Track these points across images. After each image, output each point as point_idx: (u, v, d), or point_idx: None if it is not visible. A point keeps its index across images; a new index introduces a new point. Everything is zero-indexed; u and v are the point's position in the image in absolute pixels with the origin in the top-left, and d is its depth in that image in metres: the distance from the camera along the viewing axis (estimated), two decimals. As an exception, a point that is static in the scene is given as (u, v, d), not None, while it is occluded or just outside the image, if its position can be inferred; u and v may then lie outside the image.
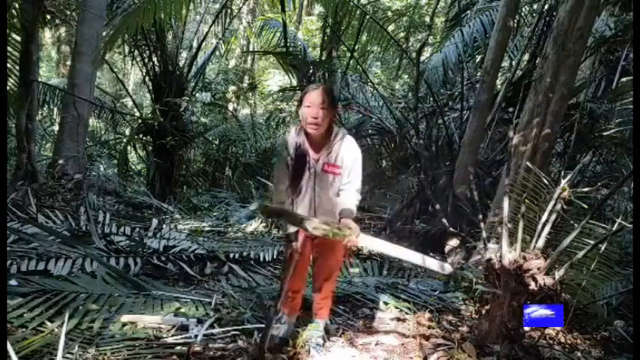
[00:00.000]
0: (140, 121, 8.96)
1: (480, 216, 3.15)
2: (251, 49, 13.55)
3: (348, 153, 2.28)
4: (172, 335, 2.53)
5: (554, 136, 4.36)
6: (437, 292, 3.79)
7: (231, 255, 4.17)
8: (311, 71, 7.53)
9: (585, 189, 3.25)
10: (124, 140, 9.25)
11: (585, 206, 2.61)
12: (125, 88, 10.95)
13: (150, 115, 8.80)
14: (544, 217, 2.54)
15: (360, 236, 2.14)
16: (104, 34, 6.66)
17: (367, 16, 6.88)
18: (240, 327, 2.64)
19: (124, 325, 2.57)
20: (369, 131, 7.26)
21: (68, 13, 8.56)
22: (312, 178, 2.28)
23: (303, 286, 2.59)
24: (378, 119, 7.21)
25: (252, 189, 8.28)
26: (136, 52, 8.27)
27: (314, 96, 2.20)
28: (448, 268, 2.35)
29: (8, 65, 4.81)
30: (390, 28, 9.00)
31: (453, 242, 5.33)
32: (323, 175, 2.28)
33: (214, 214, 6.89)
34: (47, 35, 13.07)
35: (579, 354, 2.85)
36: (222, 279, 3.76)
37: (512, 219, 2.70)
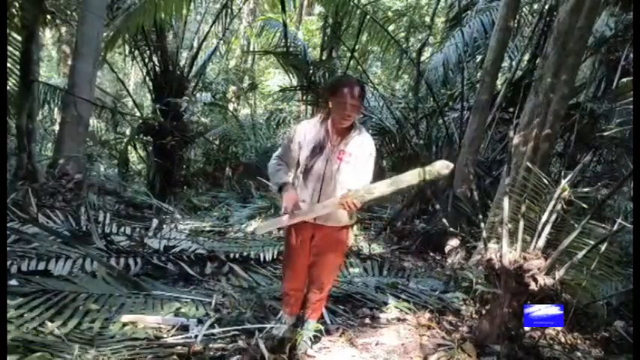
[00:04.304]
0: (140, 121, 8.95)
1: (480, 216, 3.15)
2: (251, 49, 13.52)
3: (365, 146, 2.31)
4: (172, 335, 2.53)
5: (555, 136, 4.36)
6: (437, 292, 3.79)
7: (232, 255, 4.17)
8: (311, 71, 7.52)
9: (585, 189, 3.25)
10: (125, 140, 9.24)
11: (585, 206, 2.61)
12: (125, 88, 10.93)
13: (150, 115, 8.79)
14: (544, 217, 2.54)
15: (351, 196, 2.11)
16: (104, 34, 6.66)
17: (367, 16, 6.87)
18: (240, 327, 2.64)
19: (124, 325, 2.58)
20: (369, 131, 7.24)
21: (68, 13, 8.54)
22: (325, 164, 2.31)
23: (303, 285, 2.59)
24: (378, 119, 7.21)
25: (252, 189, 8.27)
26: (137, 52, 8.27)
27: (352, 92, 2.19)
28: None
29: (8, 65, 4.80)
30: (390, 28, 8.98)
31: (453, 242, 5.34)
32: (335, 162, 2.30)
33: (214, 214, 6.89)
34: (47, 35, 13.06)
35: (579, 354, 2.85)
36: (222, 279, 3.76)
37: (513, 219, 2.70)
